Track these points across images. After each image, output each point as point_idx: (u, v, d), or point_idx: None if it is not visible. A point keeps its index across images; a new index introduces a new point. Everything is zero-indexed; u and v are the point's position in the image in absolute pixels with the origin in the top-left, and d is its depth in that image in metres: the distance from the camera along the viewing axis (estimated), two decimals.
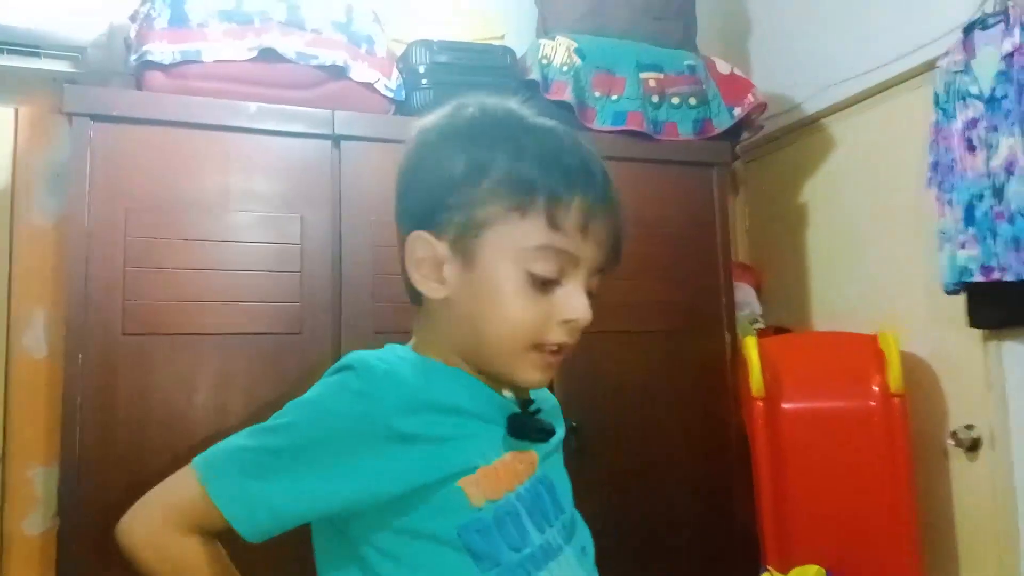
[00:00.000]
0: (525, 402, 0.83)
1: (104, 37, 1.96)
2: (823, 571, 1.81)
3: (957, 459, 2.00)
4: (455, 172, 0.77)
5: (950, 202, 1.87)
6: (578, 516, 0.88)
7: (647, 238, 2.05)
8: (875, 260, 2.27)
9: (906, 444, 1.95)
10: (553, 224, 0.75)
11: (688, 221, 2.15)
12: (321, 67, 1.88)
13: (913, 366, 2.06)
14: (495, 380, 0.81)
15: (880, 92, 2.24)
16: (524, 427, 0.80)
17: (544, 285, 0.76)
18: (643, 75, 2.15)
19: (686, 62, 2.21)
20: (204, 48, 1.79)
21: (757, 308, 2.46)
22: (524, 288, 0.76)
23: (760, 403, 2.01)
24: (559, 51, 2.09)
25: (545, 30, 2.23)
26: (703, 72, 2.21)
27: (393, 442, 0.73)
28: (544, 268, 0.76)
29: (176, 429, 1.67)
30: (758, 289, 2.54)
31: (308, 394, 0.77)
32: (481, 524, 0.75)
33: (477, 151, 0.78)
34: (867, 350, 2.06)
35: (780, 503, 1.98)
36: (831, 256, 2.43)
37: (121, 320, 1.67)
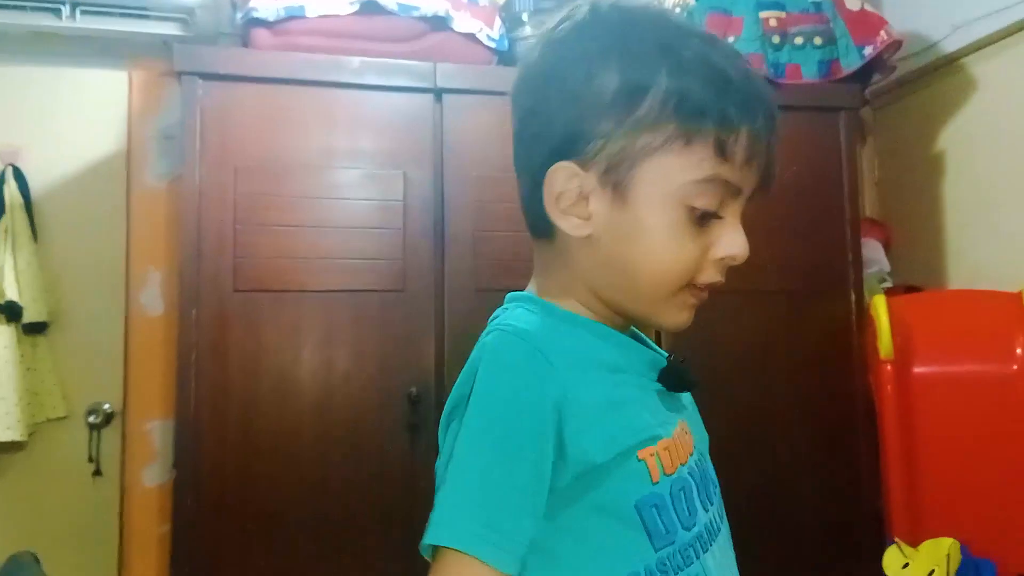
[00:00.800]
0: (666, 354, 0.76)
1: None
2: (958, 544, 1.68)
3: None
4: (606, 92, 0.67)
5: None
6: None
7: None
8: (1017, 214, 2.06)
9: None
10: (722, 153, 0.67)
11: (812, 171, 2.00)
12: (423, 18, 1.83)
13: None
14: (630, 322, 0.75)
15: None
16: (680, 378, 0.73)
17: (702, 219, 0.69)
18: (763, 14, 2.00)
19: None
20: (307, 3, 1.77)
21: (886, 266, 2.29)
22: (682, 225, 0.68)
23: (889, 366, 1.87)
24: None
25: None
26: (830, 9, 2.04)
27: (583, 409, 0.65)
28: (707, 202, 0.68)
29: (285, 382, 1.69)
30: (887, 245, 2.36)
31: (480, 386, 0.65)
32: (659, 499, 0.67)
33: (633, 66, 0.67)
34: (1009, 309, 1.88)
35: (910, 474, 1.84)
36: (968, 210, 2.23)
37: (232, 277, 1.69)
